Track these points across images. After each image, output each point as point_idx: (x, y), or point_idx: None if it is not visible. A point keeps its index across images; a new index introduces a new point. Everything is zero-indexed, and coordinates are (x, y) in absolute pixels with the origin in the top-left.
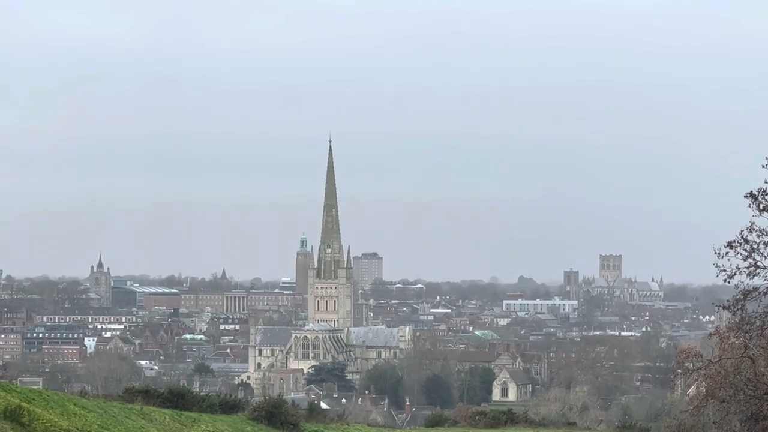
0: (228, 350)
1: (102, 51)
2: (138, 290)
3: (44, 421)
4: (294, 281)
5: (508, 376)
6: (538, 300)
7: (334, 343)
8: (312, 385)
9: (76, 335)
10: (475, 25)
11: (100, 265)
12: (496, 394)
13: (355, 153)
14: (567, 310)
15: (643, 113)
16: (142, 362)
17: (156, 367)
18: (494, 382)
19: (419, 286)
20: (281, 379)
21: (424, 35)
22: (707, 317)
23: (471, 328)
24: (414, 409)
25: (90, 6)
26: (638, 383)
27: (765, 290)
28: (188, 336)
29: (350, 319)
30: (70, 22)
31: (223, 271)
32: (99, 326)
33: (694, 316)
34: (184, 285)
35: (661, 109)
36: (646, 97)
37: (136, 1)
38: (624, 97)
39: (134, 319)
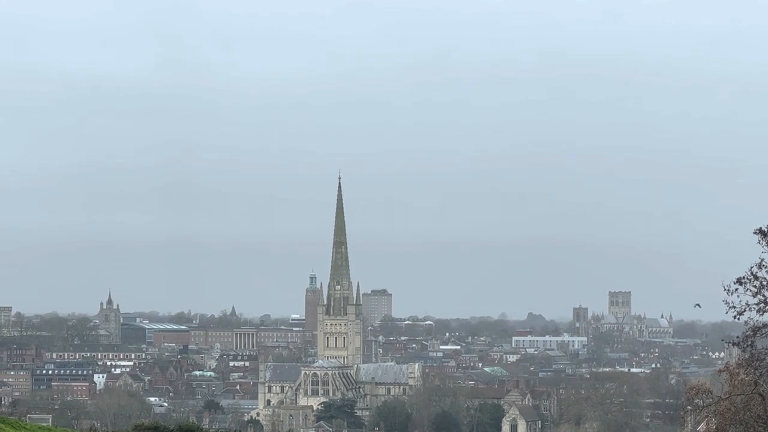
0: (237, 387)
1: (111, 86)
2: (147, 327)
3: None
4: (303, 318)
5: (517, 412)
6: (547, 336)
7: (343, 379)
8: (321, 422)
9: (85, 372)
10: (488, 64)
11: (109, 301)
12: (506, 431)
13: (365, 190)
14: (576, 347)
15: (650, 152)
16: (152, 399)
17: (165, 404)
18: (504, 419)
19: (428, 322)
20: (291, 415)
21: (433, 73)
22: (717, 354)
23: (480, 364)
24: None
25: (98, 41)
26: (648, 420)
27: None
28: (197, 372)
29: (359, 355)
30: (78, 57)
31: (233, 307)
32: (108, 363)
33: (704, 352)
34: (194, 322)
35: (668, 147)
36: (655, 135)
37: (145, 37)
38: (633, 136)
39: (144, 356)
